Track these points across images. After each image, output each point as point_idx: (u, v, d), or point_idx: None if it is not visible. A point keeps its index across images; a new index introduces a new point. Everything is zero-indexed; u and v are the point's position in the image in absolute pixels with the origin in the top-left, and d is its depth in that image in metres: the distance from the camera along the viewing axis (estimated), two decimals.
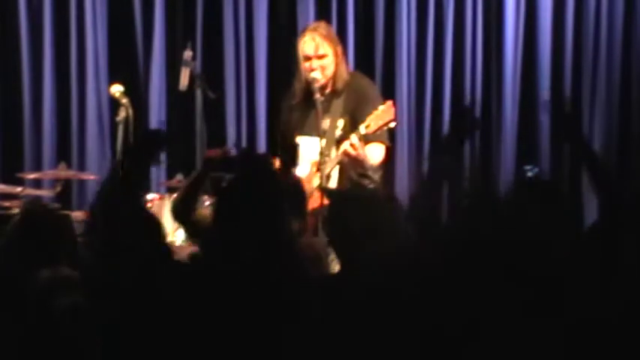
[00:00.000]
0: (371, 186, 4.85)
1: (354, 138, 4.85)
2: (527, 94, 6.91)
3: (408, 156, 6.74)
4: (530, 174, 6.05)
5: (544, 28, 6.91)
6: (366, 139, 4.90)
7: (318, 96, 4.91)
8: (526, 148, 6.86)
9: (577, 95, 6.94)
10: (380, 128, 4.92)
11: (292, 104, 5.14)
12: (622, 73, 6.94)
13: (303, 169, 5.04)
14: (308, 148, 5.02)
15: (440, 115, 6.82)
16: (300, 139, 5.07)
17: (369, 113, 4.94)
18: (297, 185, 3.99)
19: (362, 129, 4.89)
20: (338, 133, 5.01)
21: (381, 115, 4.92)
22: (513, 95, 6.89)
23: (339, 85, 5.04)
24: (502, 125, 6.89)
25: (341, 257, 3.33)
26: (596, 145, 6.92)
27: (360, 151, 4.86)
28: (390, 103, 5.01)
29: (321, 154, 4.85)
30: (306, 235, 4.62)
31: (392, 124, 4.98)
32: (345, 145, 4.87)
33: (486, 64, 6.90)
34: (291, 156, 5.04)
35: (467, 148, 6.89)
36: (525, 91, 6.90)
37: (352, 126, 4.99)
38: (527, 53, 6.92)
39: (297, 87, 5.09)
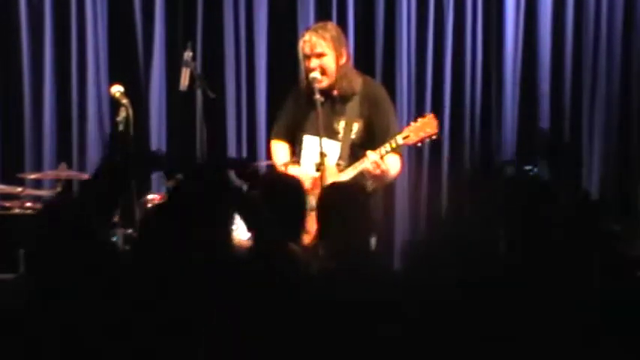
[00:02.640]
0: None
1: (374, 155, 4.82)
2: (527, 94, 6.91)
3: (407, 157, 6.74)
4: (530, 174, 6.07)
5: (544, 28, 6.91)
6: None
7: (317, 96, 4.89)
8: (526, 148, 6.86)
9: (577, 95, 6.95)
10: (421, 140, 4.88)
11: (298, 104, 5.13)
12: (622, 73, 6.95)
13: (307, 169, 5.03)
14: (310, 147, 5.02)
15: (440, 115, 6.82)
16: (305, 138, 5.07)
17: (385, 122, 4.94)
18: (294, 189, 3.98)
19: (399, 139, 4.86)
20: (352, 136, 5.00)
21: (422, 126, 4.87)
22: (513, 95, 6.90)
23: (348, 87, 5.01)
24: (502, 125, 6.90)
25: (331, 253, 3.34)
26: (596, 144, 6.94)
27: (383, 167, 4.84)
28: (431, 115, 4.98)
29: (321, 154, 4.84)
30: (310, 240, 4.62)
31: (434, 137, 4.95)
32: (368, 163, 4.82)
33: (486, 64, 6.90)
34: (291, 147, 5.07)
35: (467, 148, 6.93)
36: (525, 91, 6.91)
37: (367, 131, 4.98)
38: (527, 53, 6.92)
39: (301, 88, 5.09)
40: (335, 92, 5.02)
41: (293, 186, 4.01)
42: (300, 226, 3.92)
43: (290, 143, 5.15)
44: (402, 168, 5.12)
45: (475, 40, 6.90)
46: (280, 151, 5.18)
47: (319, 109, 4.85)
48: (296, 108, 5.13)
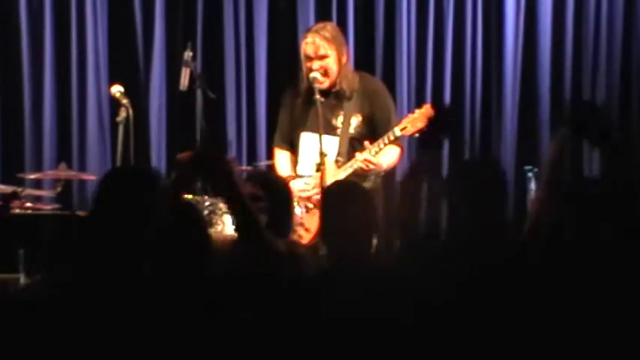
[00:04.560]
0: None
1: (367, 154, 4.85)
2: (527, 94, 6.91)
3: (408, 156, 6.74)
4: (530, 174, 6.07)
5: (544, 28, 6.92)
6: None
7: (318, 96, 4.90)
8: (526, 148, 6.87)
9: (577, 95, 6.95)
10: (419, 131, 4.89)
11: (295, 101, 5.14)
12: (622, 74, 6.95)
13: (305, 168, 5.04)
14: (309, 144, 5.03)
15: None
16: (303, 135, 5.08)
17: (386, 115, 4.96)
18: (280, 186, 3.98)
19: (397, 131, 4.89)
20: (351, 131, 5.02)
21: (420, 117, 4.89)
22: (513, 95, 6.90)
23: (347, 86, 5.03)
24: (502, 125, 6.90)
25: (332, 252, 3.33)
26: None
27: (373, 166, 4.87)
28: (429, 105, 5.00)
29: (321, 154, 4.85)
30: (310, 240, 4.63)
31: None
32: (359, 162, 4.87)
33: (486, 64, 6.91)
34: (290, 147, 5.08)
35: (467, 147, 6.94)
36: (525, 91, 6.91)
37: (366, 125, 5.01)
38: (527, 53, 6.92)
39: (301, 86, 5.10)
40: (334, 90, 5.04)
41: (279, 183, 4.01)
42: (288, 224, 3.91)
43: (291, 148, 5.16)
44: (403, 158, 5.14)
45: (475, 40, 6.90)
46: (282, 160, 5.19)
47: (319, 109, 4.87)
48: (293, 107, 5.15)
